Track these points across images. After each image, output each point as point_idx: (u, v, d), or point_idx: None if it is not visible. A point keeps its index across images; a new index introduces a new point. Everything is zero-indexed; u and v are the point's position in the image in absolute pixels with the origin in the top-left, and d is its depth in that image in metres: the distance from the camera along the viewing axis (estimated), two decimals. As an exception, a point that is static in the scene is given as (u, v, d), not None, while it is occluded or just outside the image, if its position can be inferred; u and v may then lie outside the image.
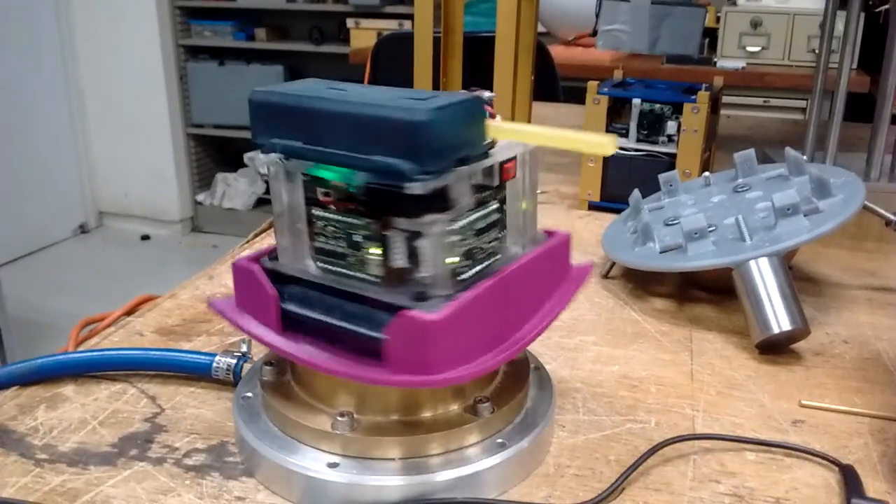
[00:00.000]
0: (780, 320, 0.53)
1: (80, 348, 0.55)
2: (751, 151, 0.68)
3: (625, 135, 0.83)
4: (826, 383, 0.51)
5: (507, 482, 0.40)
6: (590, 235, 0.78)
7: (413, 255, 0.37)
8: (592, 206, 0.86)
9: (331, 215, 0.39)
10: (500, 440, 0.40)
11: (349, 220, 0.38)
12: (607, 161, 0.84)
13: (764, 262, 0.55)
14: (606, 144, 0.36)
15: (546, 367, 0.48)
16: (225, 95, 3.31)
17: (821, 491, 0.41)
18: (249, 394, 0.45)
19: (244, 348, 0.50)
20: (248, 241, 0.83)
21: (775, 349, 0.55)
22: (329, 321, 0.39)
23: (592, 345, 0.56)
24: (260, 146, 0.39)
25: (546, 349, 0.55)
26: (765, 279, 0.54)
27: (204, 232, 3.57)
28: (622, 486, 0.40)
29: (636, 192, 0.70)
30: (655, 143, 0.82)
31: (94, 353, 0.51)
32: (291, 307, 0.40)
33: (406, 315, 0.35)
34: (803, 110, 2.15)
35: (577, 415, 0.47)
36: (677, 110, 0.80)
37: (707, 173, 0.71)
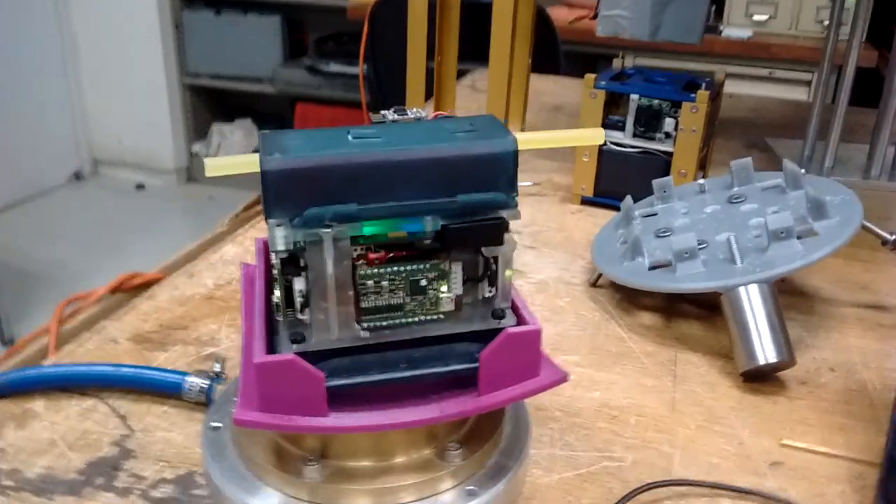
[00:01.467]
0: (766, 351, 0.52)
1: (53, 358, 0.54)
2: (748, 160, 0.66)
3: (621, 128, 0.81)
4: (809, 418, 0.50)
5: (478, 528, 0.40)
6: (581, 235, 0.76)
7: (476, 280, 0.38)
8: (585, 201, 0.84)
9: (389, 269, 0.36)
10: (470, 487, 0.40)
11: (412, 266, 0.36)
12: (602, 156, 0.82)
13: (753, 289, 0.54)
14: (596, 136, 0.39)
15: (524, 399, 0.47)
16: (221, 46, 3.24)
17: (795, 545, 0.40)
18: (219, 424, 0.44)
19: (217, 367, 0.49)
20: (236, 215, 0.81)
21: (760, 377, 0.54)
22: (393, 376, 0.37)
23: (575, 366, 0.55)
24: (281, 220, 0.34)
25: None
26: (753, 307, 0.53)
27: (199, 183, 3.54)
28: (594, 536, 0.40)
29: (628, 199, 0.68)
30: (652, 139, 0.80)
31: (66, 369, 0.50)
32: (338, 381, 0.36)
33: (512, 332, 0.37)
34: (808, 83, 2.11)
35: (554, 449, 0.46)
36: (676, 106, 0.78)
37: (702, 179, 0.69)
